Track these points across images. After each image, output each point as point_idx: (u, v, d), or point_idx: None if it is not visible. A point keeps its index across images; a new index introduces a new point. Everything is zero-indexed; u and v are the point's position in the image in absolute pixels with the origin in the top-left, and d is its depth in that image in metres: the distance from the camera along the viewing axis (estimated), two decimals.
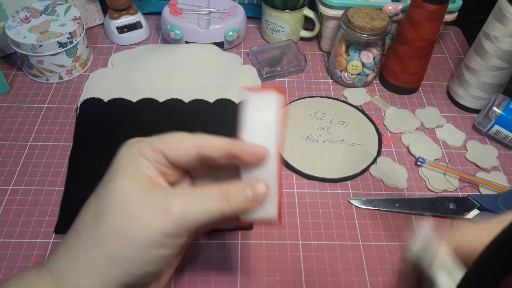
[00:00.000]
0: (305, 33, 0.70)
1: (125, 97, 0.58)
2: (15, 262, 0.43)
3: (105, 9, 0.70)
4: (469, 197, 0.49)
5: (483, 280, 0.20)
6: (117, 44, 0.69)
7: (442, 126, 0.59)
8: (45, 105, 0.59)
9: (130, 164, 0.30)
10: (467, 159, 0.55)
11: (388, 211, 0.49)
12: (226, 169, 0.33)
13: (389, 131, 0.58)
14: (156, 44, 0.69)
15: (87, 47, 0.64)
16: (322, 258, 0.44)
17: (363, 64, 0.60)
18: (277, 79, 0.65)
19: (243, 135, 0.31)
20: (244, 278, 0.42)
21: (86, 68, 0.65)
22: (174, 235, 0.29)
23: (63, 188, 0.49)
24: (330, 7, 0.63)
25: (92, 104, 0.57)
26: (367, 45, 0.59)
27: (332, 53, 0.64)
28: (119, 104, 0.57)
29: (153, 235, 0.28)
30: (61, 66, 0.61)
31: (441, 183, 0.51)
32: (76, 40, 0.60)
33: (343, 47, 0.61)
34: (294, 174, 0.52)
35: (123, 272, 0.28)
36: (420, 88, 0.65)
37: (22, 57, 0.60)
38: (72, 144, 0.53)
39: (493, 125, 0.55)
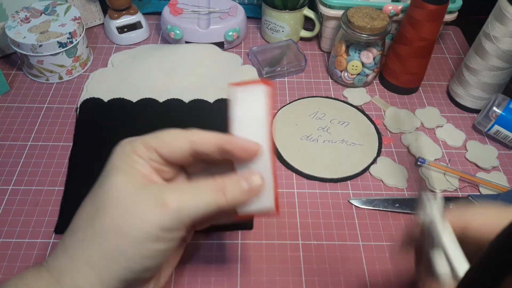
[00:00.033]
0: (305, 33, 0.70)
1: (125, 97, 0.58)
2: (15, 262, 0.43)
3: (105, 9, 0.70)
4: (469, 197, 0.49)
5: (483, 280, 0.20)
6: (117, 44, 0.69)
7: (442, 126, 0.59)
8: (45, 105, 0.59)
9: (124, 162, 0.30)
10: (467, 159, 0.55)
11: (388, 211, 0.49)
12: (221, 165, 0.33)
13: (389, 131, 0.58)
14: (156, 44, 0.69)
15: (87, 47, 0.64)
16: (322, 258, 0.44)
17: (363, 64, 0.60)
18: (277, 79, 0.65)
19: (234, 131, 0.31)
20: (244, 278, 0.42)
21: (86, 68, 0.65)
22: (171, 229, 0.29)
23: (63, 188, 0.49)
24: (330, 7, 0.63)
25: (92, 104, 0.57)
26: (367, 45, 0.59)
27: (332, 53, 0.64)
28: (119, 104, 0.57)
29: (150, 230, 0.28)
30: (61, 66, 0.61)
31: (441, 183, 0.52)
32: (76, 40, 0.60)
33: (343, 47, 0.61)
34: (294, 174, 0.52)
35: (122, 269, 0.28)
36: (420, 88, 0.65)
37: (22, 57, 0.60)
38: (72, 144, 0.53)
39: (493, 125, 0.55)
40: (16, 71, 0.64)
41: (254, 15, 0.74)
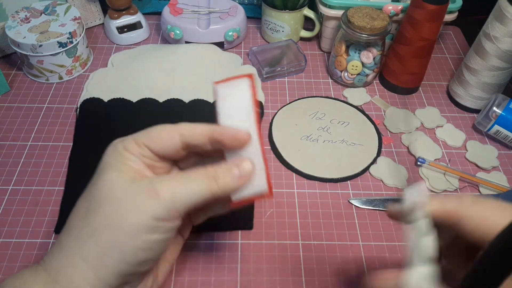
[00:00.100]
0: (305, 33, 0.70)
1: (125, 97, 0.58)
2: (15, 262, 0.43)
3: (105, 9, 0.70)
4: None
5: (483, 279, 0.20)
6: (117, 44, 0.69)
7: (442, 126, 0.59)
8: (45, 105, 0.59)
9: (116, 160, 0.31)
10: (467, 159, 0.55)
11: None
12: (213, 157, 0.34)
13: (389, 131, 0.58)
14: (156, 44, 0.69)
15: (87, 47, 0.64)
16: (322, 258, 0.44)
17: (363, 64, 0.60)
18: (277, 79, 0.65)
19: (222, 121, 0.32)
20: (244, 278, 0.42)
21: (86, 68, 0.65)
22: (165, 218, 0.29)
23: (63, 188, 0.49)
24: (330, 7, 0.63)
25: (92, 104, 0.57)
26: (367, 45, 0.59)
27: (332, 53, 0.64)
28: (119, 104, 0.57)
29: (143, 220, 0.28)
30: (61, 66, 0.61)
31: (441, 183, 0.52)
32: (76, 40, 0.60)
33: (343, 47, 0.61)
34: (294, 174, 0.52)
35: (117, 262, 0.29)
36: (420, 88, 0.65)
37: (22, 57, 0.60)
38: (72, 144, 0.53)
39: (493, 125, 0.55)
40: (16, 71, 0.64)
41: (254, 15, 0.74)
